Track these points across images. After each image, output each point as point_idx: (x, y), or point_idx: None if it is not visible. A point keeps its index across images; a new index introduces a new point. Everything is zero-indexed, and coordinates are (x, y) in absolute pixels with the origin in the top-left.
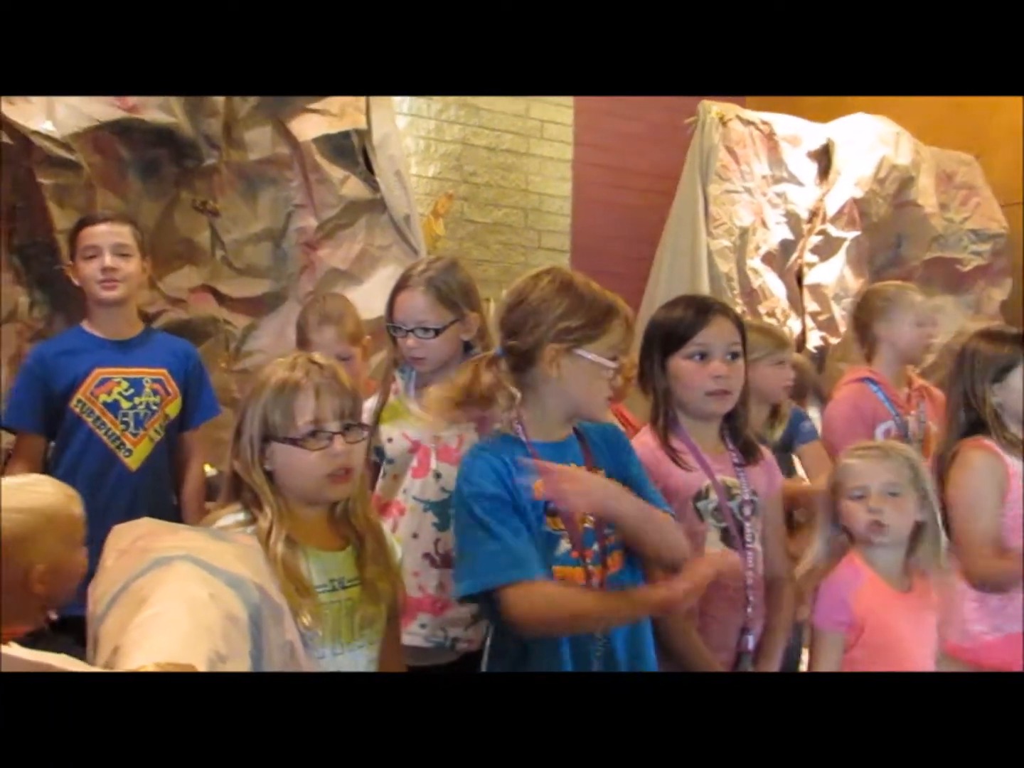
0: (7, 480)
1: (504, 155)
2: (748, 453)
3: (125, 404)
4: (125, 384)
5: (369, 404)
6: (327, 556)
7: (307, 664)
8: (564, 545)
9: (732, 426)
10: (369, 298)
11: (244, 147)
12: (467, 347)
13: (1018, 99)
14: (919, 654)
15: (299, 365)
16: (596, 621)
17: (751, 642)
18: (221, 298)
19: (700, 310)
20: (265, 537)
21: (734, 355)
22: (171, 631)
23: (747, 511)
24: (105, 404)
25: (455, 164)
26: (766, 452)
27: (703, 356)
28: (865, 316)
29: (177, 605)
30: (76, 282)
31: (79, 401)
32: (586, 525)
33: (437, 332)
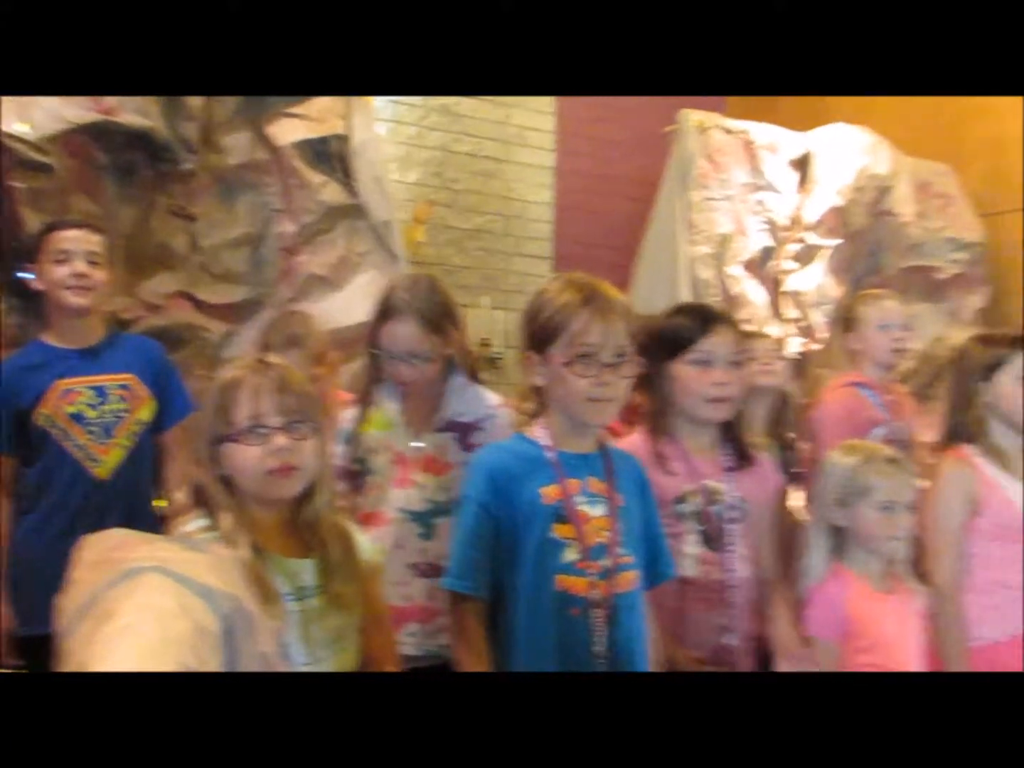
0: None
1: (485, 162)
2: (742, 458)
3: (91, 414)
4: (89, 393)
5: (352, 414)
6: (293, 563)
7: None
8: (570, 554)
9: (729, 431)
10: (348, 304)
11: (222, 151)
12: (448, 360)
13: (994, 111)
14: (906, 654)
15: (244, 365)
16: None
17: (733, 641)
18: (199, 304)
19: (705, 318)
20: (229, 542)
21: (734, 364)
22: (136, 643)
23: (731, 515)
24: (70, 415)
25: (436, 170)
26: (763, 457)
27: (705, 363)
28: (841, 328)
29: (144, 617)
30: (38, 286)
31: (44, 415)
32: (598, 540)
33: (428, 359)
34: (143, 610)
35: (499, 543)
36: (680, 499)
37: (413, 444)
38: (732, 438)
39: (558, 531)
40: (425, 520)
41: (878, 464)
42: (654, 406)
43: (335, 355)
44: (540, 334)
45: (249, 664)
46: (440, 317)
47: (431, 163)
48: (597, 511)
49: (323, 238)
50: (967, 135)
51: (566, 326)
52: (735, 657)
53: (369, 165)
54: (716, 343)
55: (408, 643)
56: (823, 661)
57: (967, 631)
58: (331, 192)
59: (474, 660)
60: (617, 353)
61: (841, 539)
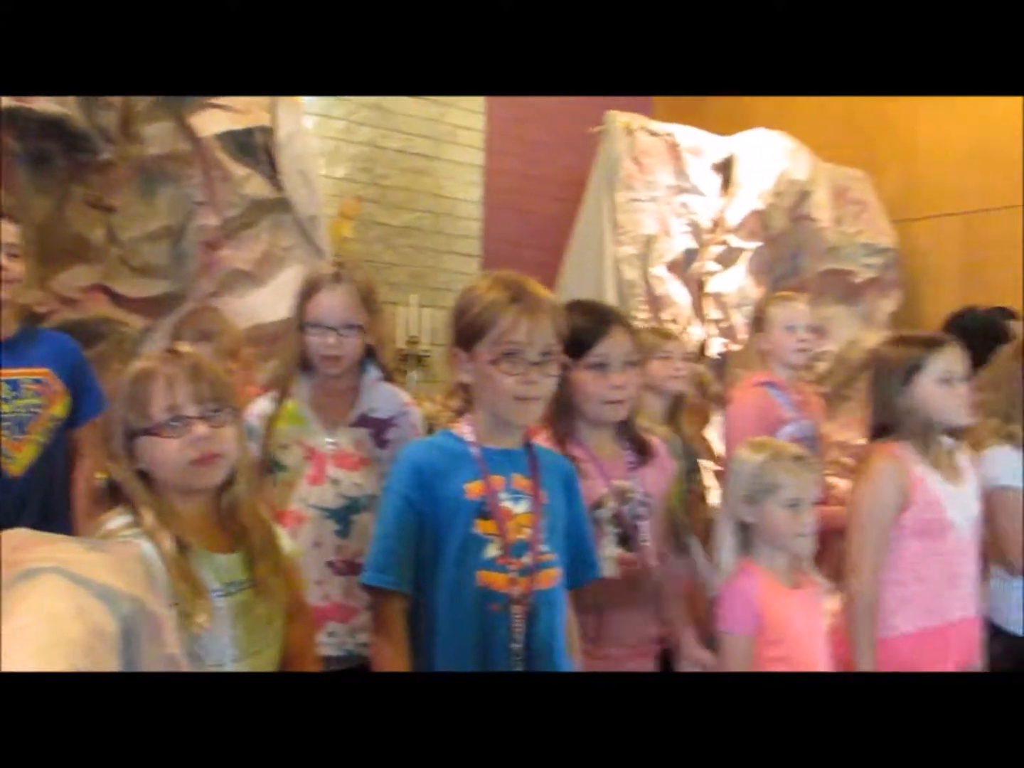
0: None
1: (415, 159)
2: (642, 452)
3: (4, 408)
4: (3, 387)
5: (261, 408)
6: (220, 559)
7: None
8: (492, 550)
9: (625, 428)
10: (273, 299)
11: (142, 141)
12: (368, 352)
13: (908, 120)
14: (813, 647)
15: (154, 356)
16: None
17: (653, 634)
18: (116, 298)
19: (600, 321)
20: (152, 537)
21: (630, 364)
22: (26, 646)
23: (641, 511)
24: None
25: (365, 166)
26: (659, 447)
27: (602, 367)
28: (752, 328)
29: (37, 619)
30: None
31: None
32: (520, 537)
33: (361, 329)
34: (36, 612)
35: (422, 538)
36: (598, 504)
37: (327, 440)
38: (630, 434)
39: (481, 527)
40: (341, 517)
41: (785, 462)
42: (554, 409)
43: (248, 351)
44: (467, 331)
45: (152, 666)
46: (366, 294)
47: (360, 158)
48: (520, 508)
49: (246, 232)
50: (881, 143)
51: (493, 324)
52: (655, 651)
53: (295, 159)
54: (611, 346)
55: (328, 643)
56: (736, 656)
57: (879, 622)
58: (255, 185)
59: (395, 657)
60: (543, 351)
61: (749, 535)
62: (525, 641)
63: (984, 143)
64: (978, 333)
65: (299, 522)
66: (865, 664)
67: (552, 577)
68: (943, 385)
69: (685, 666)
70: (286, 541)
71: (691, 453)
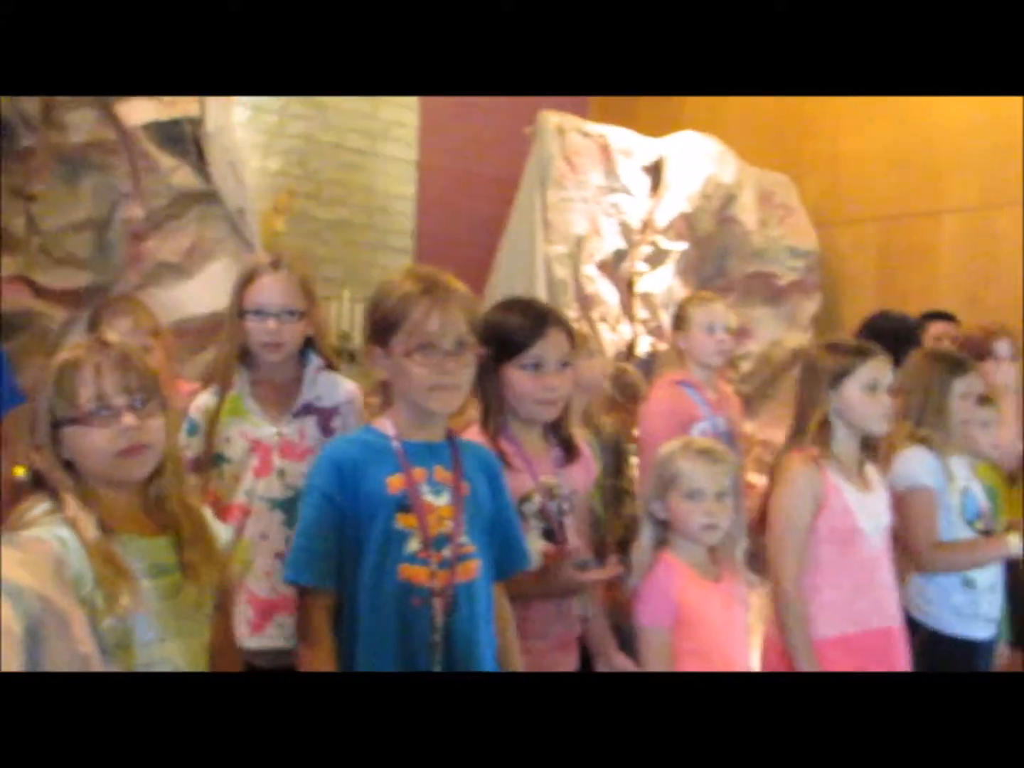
0: None
1: (349, 153)
2: (569, 451)
3: None
4: None
5: (203, 402)
6: (144, 542)
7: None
8: (413, 544)
9: (556, 428)
10: (201, 292)
11: (65, 129)
12: (307, 344)
13: (830, 127)
14: (732, 639)
15: (82, 346)
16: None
17: (575, 628)
18: (37, 289)
19: (536, 321)
20: (74, 523)
21: (564, 364)
22: None
23: (565, 508)
24: None
25: (299, 160)
26: (584, 448)
27: (537, 367)
28: (672, 326)
29: None
30: None
31: None
32: (441, 530)
33: (300, 316)
34: None
35: (343, 534)
36: (525, 498)
37: (271, 430)
38: (559, 433)
39: (402, 521)
40: (288, 507)
41: (687, 453)
42: (486, 404)
43: (168, 341)
44: (382, 325)
45: (60, 665)
46: (306, 284)
47: (294, 152)
48: (442, 500)
49: (173, 224)
50: (805, 149)
51: (406, 316)
52: (577, 645)
53: (224, 150)
54: (547, 347)
55: (276, 635)
56: (658, 650)
57: (808, 625)
58: (183, 176)
59: (320, 656)
60: (458, 342)
61: (667, 530)
62: (445, 634)
63: (902, 151)
64: (892, 336)
65: (246, 515)
66: (805, 667)
67: (473, 569)
68: (868, 392)
69: (599, 665)
70: (221, 530)
71: (619, 450)
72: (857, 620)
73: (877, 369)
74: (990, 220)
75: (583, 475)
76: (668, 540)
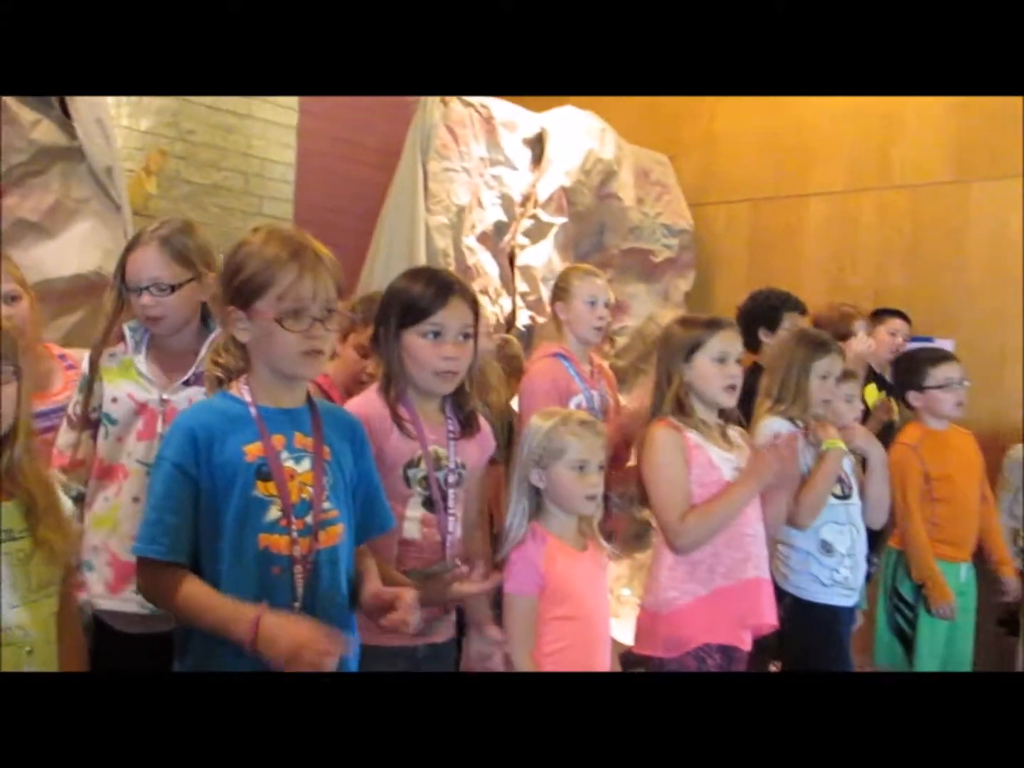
0: None
1: (225, 115)
2: (467, 426)
3: None
4: None
5: (87, 361)
6: None
7: None
8: (274, 512)
9: (456, 400)
10: (63, 253)
11: None
12: (207, 311)
13: (707, 108)
14: (596, 607)
15: None
16: (194, 621)
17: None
18: None
19: (440, 289)
20: None
21: (466, 336)
22: None
23: (451, 480)
24: None
25: (171, 120)
26: (484, 424)
27: (437, 335)
28: (552, 297)
29: None
30: None
31: None
32: (302, 496)
33: (173, 289)
34: None
35: (198, 506)
36: (411, 463)
37: (160, 396)
38: (459, 406)
39: (261, 489)
40: None
41: (572, 426)
42: (386, 370)
43: (29, 302)
44: (244, 289)
45: None
46: (188, 251)
47: (166, 112)
48: (302, 467)
49: (34, 181)
50: (683, 129)
51: (274, 281)
52: (453, 614)
53: (90, 106)
54: (449, 316)
55: (131, 599)
56: (523, 618)
57: (673, 591)
58: (44, 131)
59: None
60: (327, 307)
61: (540, 500)
62: (306, 601)
63: (775, 135)
64: (760, 317)
65: (125, 477)
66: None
67: (335, 534)
68: (717, 364)
69: (474, 640)
70: (66, 502)
71: (510, 431)
72: (730, 574)
73: (726, 341)
74: (853, 204)
75: (477, 451)
76: (540, 510)
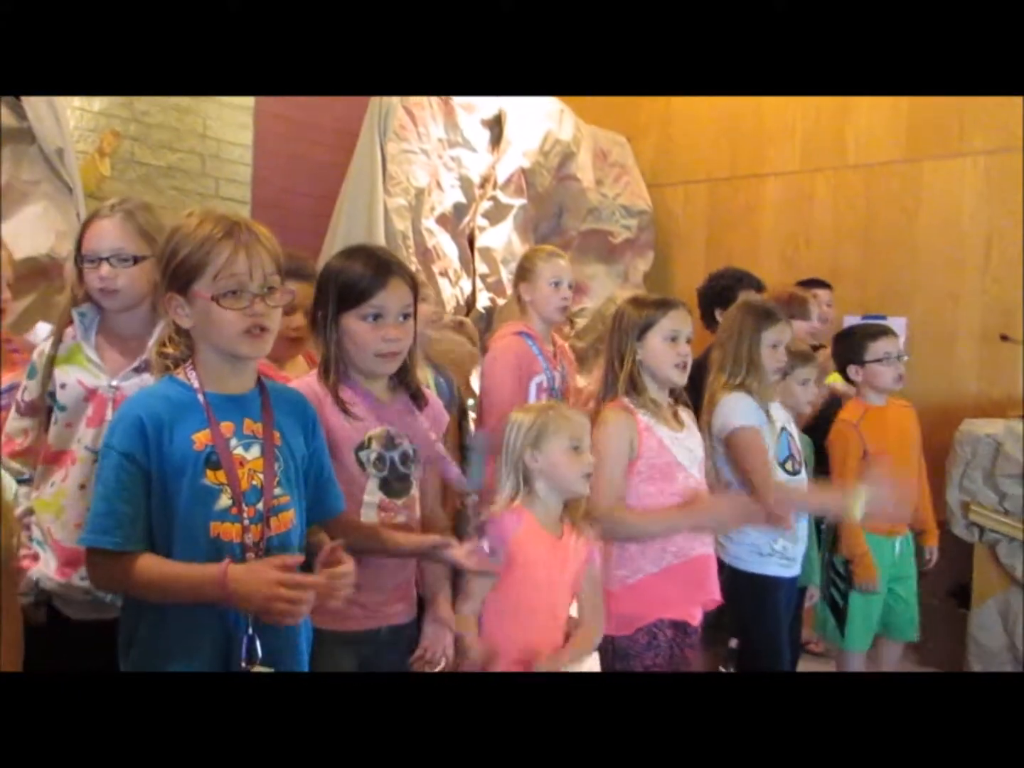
0: None
1: (180, 96)
2: (416, 400)
3: None
4: None
5: (43, 346)
6: None
7: None
8: (224, 500)
9: (401, 378)
10: (15, 237)
11: None
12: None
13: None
14: (559, 592)
15: None
16: (163, 597)
17: (410, 576)
18: None
19: (378, 271)
20: None
21: (406, 316)
22: None
23: (409, 456)
24: None
25: (125, 101)
26: (433, 399)
27: (376, 317)
28: (516, 278)
29: None
30: None
31: None
32: (253, 483)
33: (135, 261)
34: None
35: (149, 494)
36: (362, 446)
37: (109, 383)
38: (406, 383)
39: (211, 477)
40: None
41: (563, 411)
42: (324, 354)
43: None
44: (180, 271)
45: None
46: (151, 228)
47: None
48: (252, 453)
49: None
50: (640, 111)
51: (209, 261)
52: (412, 595)
53: None
54: (389, 298)
55: (86, 585)
56: (480, 589)
57: (623, 568)
58: None
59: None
60: (266, 284)
61: (529, 483)
62: None
63: (732, 116)
64: (717, 296)
65: (73, 463)
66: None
67: (287, 520)
68: (668, 343)
69: (429, 625)
70: (10, 484)
71: (459, 402)
72: (679, 552)
73: (677, 320)
74: (808, 184)
75: (429, 429)
76: (527, 492)
